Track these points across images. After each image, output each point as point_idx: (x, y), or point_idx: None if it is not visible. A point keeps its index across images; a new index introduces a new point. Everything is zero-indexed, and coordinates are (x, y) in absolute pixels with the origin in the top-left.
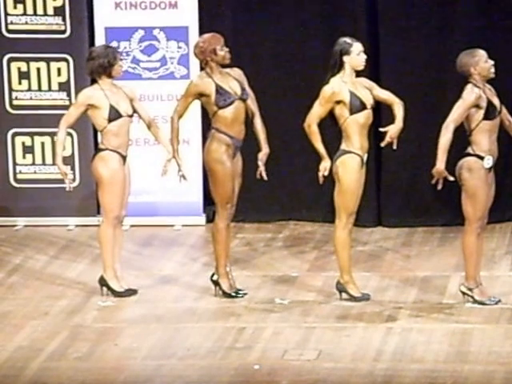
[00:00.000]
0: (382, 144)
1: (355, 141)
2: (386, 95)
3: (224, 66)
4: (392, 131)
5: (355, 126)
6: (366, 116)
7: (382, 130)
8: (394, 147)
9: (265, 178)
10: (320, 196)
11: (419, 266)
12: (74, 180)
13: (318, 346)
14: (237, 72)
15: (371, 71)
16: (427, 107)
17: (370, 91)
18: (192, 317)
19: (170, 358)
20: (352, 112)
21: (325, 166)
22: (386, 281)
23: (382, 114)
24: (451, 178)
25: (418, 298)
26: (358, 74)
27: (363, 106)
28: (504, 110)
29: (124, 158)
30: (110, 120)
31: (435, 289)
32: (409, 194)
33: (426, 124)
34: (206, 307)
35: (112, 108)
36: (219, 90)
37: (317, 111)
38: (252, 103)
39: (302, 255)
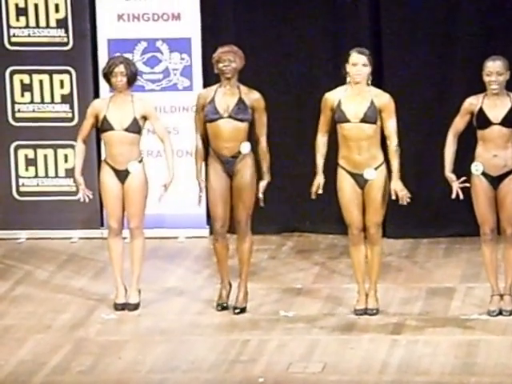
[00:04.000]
0: (404, 203)
1: (341, 152)
2: (389, 126)
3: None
4: (397, 189)
5: (340, 137)
6: (349, 129)
7: (393, 198)
8: (408, 199)
9: (261, 204)
10: (324, 207)
11: (424, 278)
12: (77, 192)
13: (322, 358)
14: (252, 96)
15: (374, 84)
16: (430, 119)
17: (379, 111)
18: (196, 329)
19: (175, 371)
20: (337, 121)
21: (317, 183)
22: (390, 292)
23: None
24: (467, 184)
25: (423, 309)
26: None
27: (345, 119)
28: None
29: (117, 171)
30: (102, 131)
31: (441, 300)
32: (413, 204)
33: (430, 135)
34: (210, 320)
35: (105, 119)
36: (211, 103)
37: (320, 120)
38: (259, 129)
39: (306, 267)
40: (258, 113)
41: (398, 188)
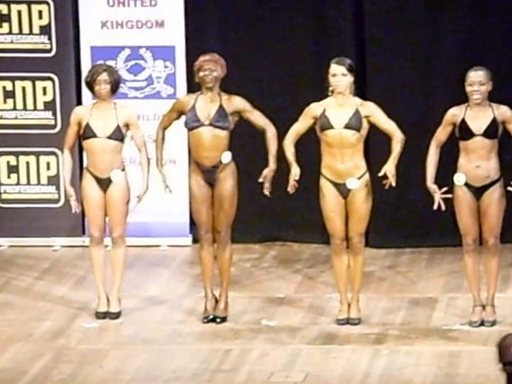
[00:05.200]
0: (386, 187)
1: (324, 161)
2: (386, 125)
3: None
4: (388, 170)
5: (323, 145)
6: (332, 135)
7: (380, 174)
8: (393, 184)
9: (266, 192)
10: (307, 217)
11: (407, 288)
12: (59, 200)
13: (304, 368)
14: (233, 101)
15: (358, 93)
16: (414, 129)
17: (366, 118)
18: (178, 338)
19: (156, 381)
20: (320, 129)
21: (294, 174)
22: (373, 302)
23: (369, 139)
24: (449, 195)
25: (405, 319)
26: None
27: (329, 126)
28: None
29: (99, 179)
30: (84, 138)
31: (423, 310)
32: (396, 214)
33: (413, 145)
34: (191, 329)
35: (87, 126)
36: (191, 111)
37: (295, 125)
38: (258, 122)
39: (289, 276)
40: (246, 112)
41: (390, 170)
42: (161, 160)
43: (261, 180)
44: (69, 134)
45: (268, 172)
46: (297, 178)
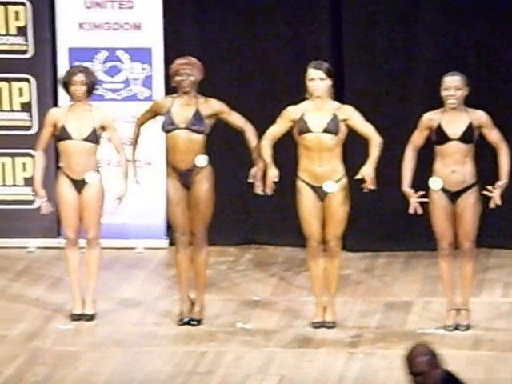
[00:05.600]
0: (365, 190)
1: (301, 165)
2: (364, 128)
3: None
4: (366, 173)
5: (301, 148)
6: (310, 139)
7: (358, 177)
8: (373, 187)
9: (257, 191)
10: (283, 220)
11: (382, 291)
12: (34, 201)
13: (279, 371)
14: (210, 104)
15: (335, 97)
16: (391, 133)
17: (344, 121)
18: (153, 341)
19: (131, 383)
20: (298, 133)
21: (272, 175)
22: (348, 305)
23: (347, 143)
24: (425, 199)
25: (380, 323)
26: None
27: (307, 129)
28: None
29: (74, 181)
30: (59, 139)
31: (398, 314)
32: (372, 218)
33: (389, 149)
34: (167, 331)
35: (63, 128)
36: (168, 114)
37: (273, 127)
38: (236, 123)
39: (264, 279)
40: (224, 114)
41: (368, 173)
42: (133, 155)
43: (251, 180)
44: (43, 135)
45: (256, 171)
46: (276, 179)
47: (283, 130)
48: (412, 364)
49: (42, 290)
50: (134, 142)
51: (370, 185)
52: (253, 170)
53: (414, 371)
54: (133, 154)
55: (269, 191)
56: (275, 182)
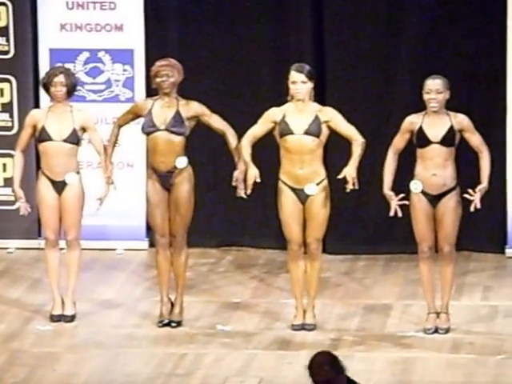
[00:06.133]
0: (347, 190)
1: (283, 167)
2: (346, 129)
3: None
4: (348, 173)
5: (283, 150)
6: (292, 141)
7: (340, 177)
8: (356, 187)
9: (240, 194)
10: (263, 222)
11: (362, 294)
12: (15, 202)
13: (259, 373)
14: (190, 106)
15: (317, 99)
16: (372, 136)
17: (325, 123)
18: (132, 342)
19: None
20: (280, 135)
21: (253, 174)
22: (328, 308)
23: (328, 145)
24: (406, 202)
25: (360, 325)
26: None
27: (289, 131)
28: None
29: (54, 182)
30: (39, 141)
31: (377, 317)
32: (353, 221)
33: (370, 152)
34: (146, 333)
35: (43, 129)
36: (148, 116)
37: (253, 128)
38: (218, 126)
39: (244, 281)
40: (204, 116)
41: (350, 173)
42: (110, 155)
43: (234, 184)
44: (22, 136)
45: (238, 174)
46: (258, 179)
47: (264, 131)
48: (315, 373)
49: (22, 291)
50: (113, 144)
51: (352, 185)
52: (235, 174)
53: (317, 380)
54: (110, 154)
55: (248, 190)
56: (256, 183)
